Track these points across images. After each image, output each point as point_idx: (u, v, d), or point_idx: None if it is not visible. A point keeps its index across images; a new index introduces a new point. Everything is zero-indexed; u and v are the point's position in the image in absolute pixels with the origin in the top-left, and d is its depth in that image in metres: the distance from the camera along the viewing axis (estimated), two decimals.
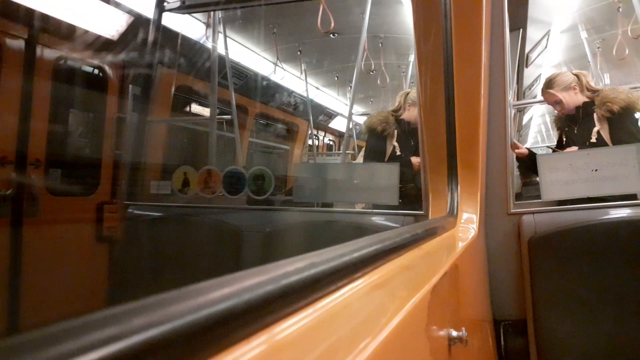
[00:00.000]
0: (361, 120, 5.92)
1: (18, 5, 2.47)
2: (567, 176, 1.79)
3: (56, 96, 2.76)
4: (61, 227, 2.74)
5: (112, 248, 2.62)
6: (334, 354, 0.40)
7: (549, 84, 2.37)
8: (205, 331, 0.30)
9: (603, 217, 1.75)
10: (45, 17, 2.56)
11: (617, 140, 2.17)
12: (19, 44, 2.56)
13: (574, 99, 2.33)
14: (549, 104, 2.46)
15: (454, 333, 0.77)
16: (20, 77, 2.57)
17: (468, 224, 1.51)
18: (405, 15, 4.00)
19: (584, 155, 1.82)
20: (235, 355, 0.32)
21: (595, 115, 2.26)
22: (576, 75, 2.35)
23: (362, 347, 0.43)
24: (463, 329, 0.78)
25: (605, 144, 2.21)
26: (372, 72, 4.67)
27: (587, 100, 2.32)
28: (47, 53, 2.72)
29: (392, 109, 2.71)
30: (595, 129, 2.26)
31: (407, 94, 2.69)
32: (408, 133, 2.62)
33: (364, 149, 3.52)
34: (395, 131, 2.62)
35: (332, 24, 3.34)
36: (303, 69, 5.18)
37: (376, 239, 0.69)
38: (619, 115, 2.19)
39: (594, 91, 2.33)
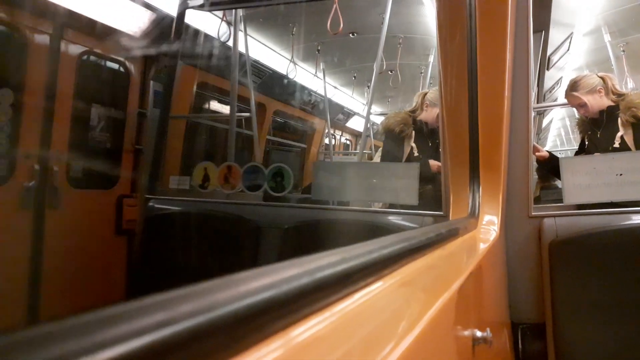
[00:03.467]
0: (378, 120, 5.91)
1: (44, 1, 2.52)
2: (590, 180, 1.76)
3: (78, 90, 2.80)
4: (81, 219, 2.78)
5: (131, 241, 2.65)
6: (368, 349, 0.40)
7: (574, 86, 2.33)
8: (248, 320, 0.31)
9: (626, 223, 1.72)
10: (68, 13, 2.60)
11: None
12: (43, 38, 2.61)
13: (599, 102, 2.28)
14: (572, 106, 2.42)
15: (479, 334, 0.77)
16: (43, 70, 2.61)
17: (489, 225, 1.50)
18: (426, 15, 3.98)
19: (608, 159, 1.79)
20: (275, 346, 0.33)
21: (619, 120, 2.22)
22: (602, 78, 2.30)
23: (394, 345, 0.43)
24: (488, 329, 0.78)
25: (628, 150, 2.17)
26: (391, 72, 4.65)
27: (611, 104, 2.27)
28: (71, 48, 2.77)
29: (409, 110, 2.70)
30: (619, 134, 2.22)
31: (425, 94, 2.67)
32: (426, 134, 2.61)
33: (380, 149, 3.51)
34: (413, 132, 2.61)
35: (341, 26, 3.33)
36: (321, 67, 5.18)
37: (403, 237, 0.69)
38: None
39: (619, 95, 2.28)
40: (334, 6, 3.28)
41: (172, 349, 0.24)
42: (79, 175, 2.87)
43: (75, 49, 2.79)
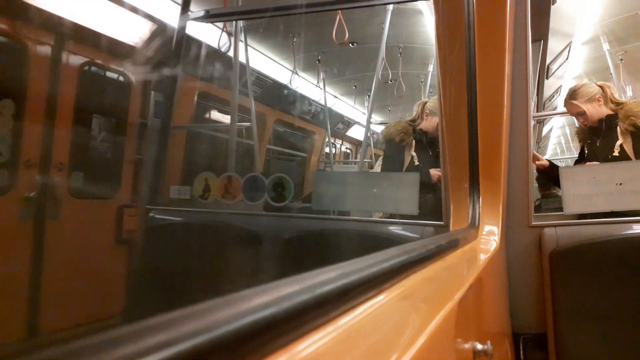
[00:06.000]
0: (379, 129, 5.92)
1: (45, 13, 2.53)
2: (590, 189, 1.76)
3: (79, 101, 2.81)
4: (82, 229, 2.78)
5: (131, 251, 2.65)
6: None
7: (573, 95, 2.34)
8: (250, 338, 0.31)
9: (627, 232, 1.72)
10: (70, 24, 2.62)
11: None
12: (45, 49, 2.62)
13: (598, 111, 2.29)
14: (571, 115, 2.43)
15: (479, 346, 0.77)
16: (44, 81, 2.62)
17: (489, 236, 1.50)
18: (425, 25, 4.00)
19: (608, 169, 1.79)
20: None
21: (618, 129, 2.23)
22: (600, 86, 2.32)
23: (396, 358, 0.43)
24: (488, 342, 0.78)
25: (627, 158, 2.17)
26: (391, 81, 4.67)
27: (610, 112, 2.28)
28: (72, 59, 2.78)
29: (409, 119, 2.71)
30: (618, 143, 2.23)
31: (425, 103, 2.69)
32: (426, 143, 2.62)
33: (381, 158, 3.51)
34: (413, 141, 2.62)
35: (347, 36, 3.35)
36: (321, 77, 5.20)
37: (403, 250, 0.69)
38: None
39: (618, 104, 2.29)
40: (338, 17, 3.30)
41: None
42: (80, 185, 2.87)
43: (76, 60, 2.80)
